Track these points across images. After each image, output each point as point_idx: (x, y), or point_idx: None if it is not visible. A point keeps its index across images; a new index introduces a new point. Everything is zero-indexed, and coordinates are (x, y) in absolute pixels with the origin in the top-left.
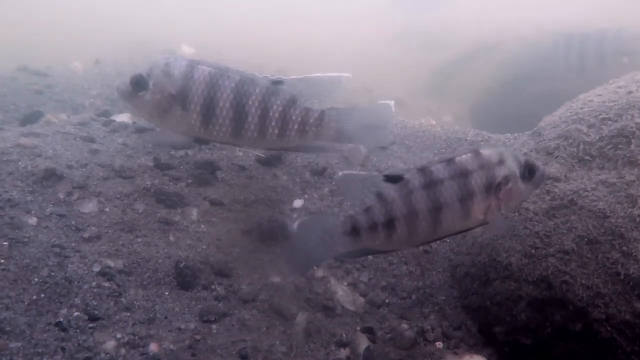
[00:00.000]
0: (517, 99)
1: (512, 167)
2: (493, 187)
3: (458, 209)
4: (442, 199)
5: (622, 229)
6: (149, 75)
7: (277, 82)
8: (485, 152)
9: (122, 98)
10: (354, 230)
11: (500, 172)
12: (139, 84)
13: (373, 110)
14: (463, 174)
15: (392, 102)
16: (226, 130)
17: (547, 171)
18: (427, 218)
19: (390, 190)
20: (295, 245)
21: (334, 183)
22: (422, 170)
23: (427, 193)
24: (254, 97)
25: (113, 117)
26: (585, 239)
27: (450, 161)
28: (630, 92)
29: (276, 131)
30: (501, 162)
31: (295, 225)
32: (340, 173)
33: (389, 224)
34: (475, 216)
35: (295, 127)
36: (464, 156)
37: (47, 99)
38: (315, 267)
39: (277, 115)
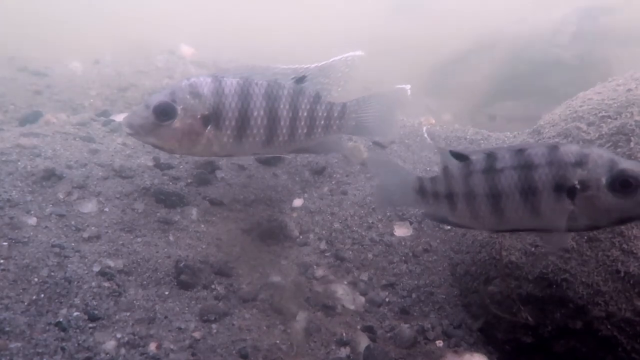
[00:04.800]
0: (517, 98)
1: (595, 172)
2: (564, 190)
3: (519, 202)
4: (499, 186)
5: (622, 227)
6: (174, 100)
7: (300, 80)
8: (563, 148)
9: (142, 132)
10: (422, 191)
11: (575, 175)
12: (165, 112)
13: (389, 97)
14: (526, 167)
15: (408, 87)
16: (259, 139)
17: None
18: (485, 202)
19: (454, 166)
20: (378, 180)
21: (333, 182)
22: (488, 154)
23: (484, 178)
24: (284, 100)
25: (112, 117)
26: (585, 237)
27: (519, 151)
28: (629, 90)
29: (305, 130)
30: (580, 163)
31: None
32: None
33: (449, 197)
34: (547, 217)
35: (322, 123)
36: (536, 148)
37: (46, 99)
38: (315, 266)
39: (305, 114)
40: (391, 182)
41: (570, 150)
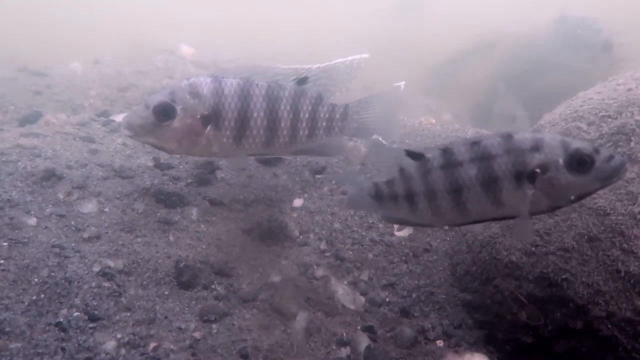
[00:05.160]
0: (517, 97)
1: (552, 154)
2: (525, 175)
3: (481, 193)
4: (460, 181)
5: (623, 227)
6: (173, 100)
7: (302, 81)
8: (518, 136)
9: (141, 132)
10: (378, 196)
11: (533, 160)
12: (165, 112)
13: (389, 97)
14: (485, 158)
15: (402, 83)
16: (259, 141)
17: (618, 165)
18: (446, 198)
19: (410, 166)
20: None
21: (333, 182)
22: (445, 150)
23: (444, 174)
24: (284, 102)
25: (112, 117)
26: (586, 237)
27: (474, 144)
28: (629, 90)
29: (306, 132)
30: (536, 148)
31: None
32: (374, 136)
33: (409, 198)
34: (510, 204)
35: (324, 124)
36: (491, 139)
37: (46, 100)
38: (315, 266)
39: (307, 116)
40: (353, 190)
41: (524, 136)
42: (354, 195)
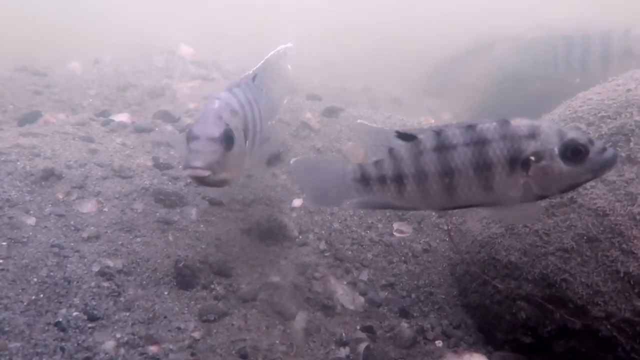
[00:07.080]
0: (516, 98)
1: (547, 143)
2: (519, 162)
3: (473, 178)
4: (452, 164)
5: (622, 227)
6: (226, 124)
7: (254, 78)
8: (515, 122)
9: (219, 168)
10: (364, 179)
11: (529, 147)
12: (230, 138)
13: (276, 60)
14: (480, 143)
15: (289, 44)
16: (255, 137)
17: (610, 157)
18: (437, 181)
19: (401, 148)
20: (309, 181)
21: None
22: (438, 133)
23: (437, 156)
24: (258, 98)
25: (112, 117)
26: (585, 237)
27: (470, 127)
28: (629, 90)
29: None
30: (532, 135)
31: (291, 161)
32: (358, 121)
33: (398, 180)
34: (500, 190)
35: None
36: (487, 124)
37: (45, 99)
38: (315, 266)
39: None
40: (324, 180)
41: (521, 123)
42: (327, 186)
